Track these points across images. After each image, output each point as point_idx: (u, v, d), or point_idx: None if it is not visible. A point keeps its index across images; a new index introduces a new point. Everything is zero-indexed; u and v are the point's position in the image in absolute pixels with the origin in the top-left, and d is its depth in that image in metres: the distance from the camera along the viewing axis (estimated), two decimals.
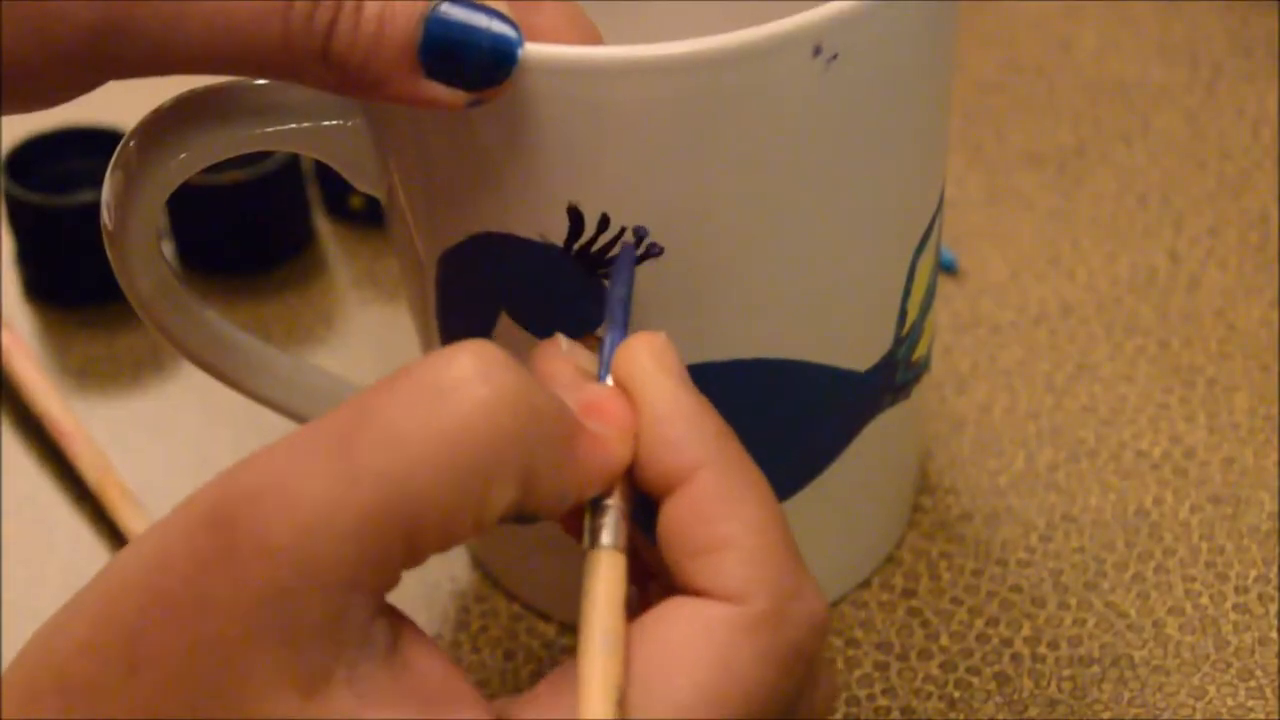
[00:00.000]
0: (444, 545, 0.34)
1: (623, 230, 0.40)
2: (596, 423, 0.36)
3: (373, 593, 0.34)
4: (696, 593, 0.36)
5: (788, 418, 0.44)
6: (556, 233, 0.41)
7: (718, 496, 0.36)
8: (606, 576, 0.35)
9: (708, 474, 0.36)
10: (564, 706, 0.34)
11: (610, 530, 0.36)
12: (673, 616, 0.35)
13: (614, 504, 0.36)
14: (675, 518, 0.36)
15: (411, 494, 0.33)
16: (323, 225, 0.61)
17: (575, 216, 0.40)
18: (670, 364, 0.37)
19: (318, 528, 0.33)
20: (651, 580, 0.38)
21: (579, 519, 0.37)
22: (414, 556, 0.34)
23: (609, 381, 0.37)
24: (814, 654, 0.36)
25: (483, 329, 0.43)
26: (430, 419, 0.34)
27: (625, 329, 0.39)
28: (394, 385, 0.34)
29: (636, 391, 0.37)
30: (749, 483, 0.36)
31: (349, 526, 0.33)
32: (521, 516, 0.35)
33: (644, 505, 0.37)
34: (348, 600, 0.33)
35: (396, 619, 0.35)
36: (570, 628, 0.48)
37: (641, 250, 0.41)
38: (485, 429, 0.34)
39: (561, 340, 0.39)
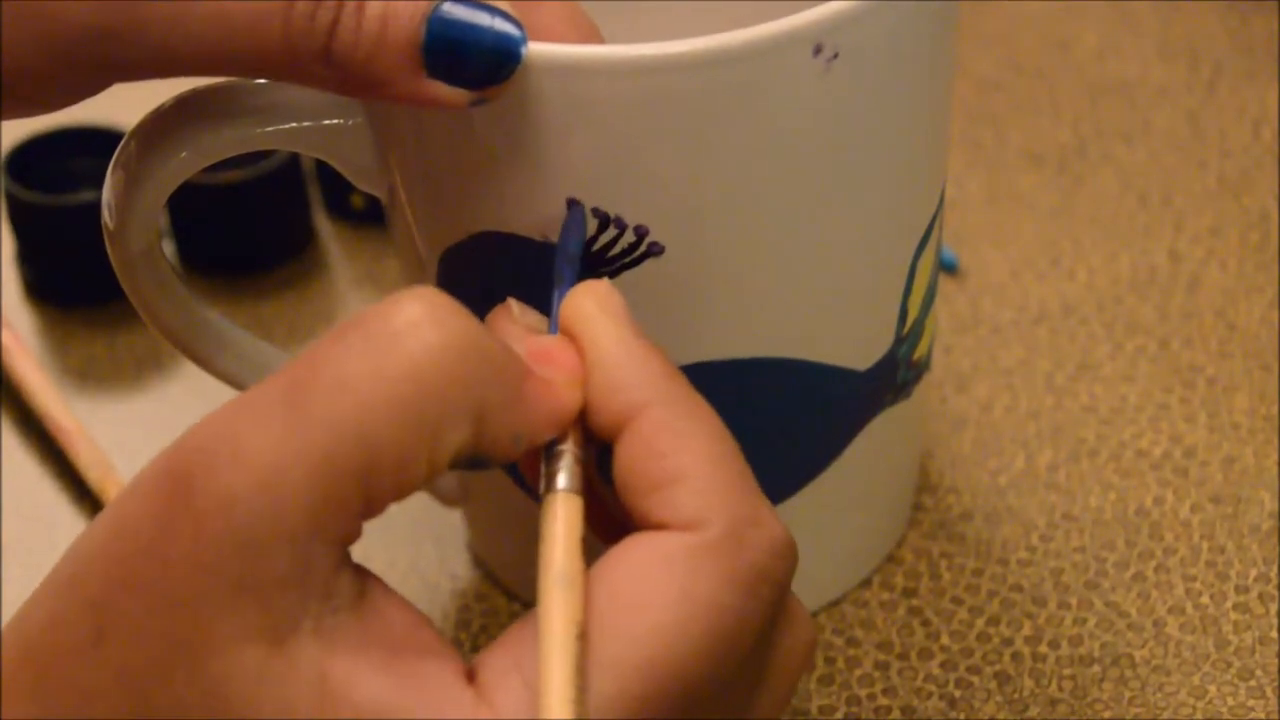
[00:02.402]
0: (400, 491, 0.34)
1: (624, 230, 0.40)
2: (545, 368, 0.37)
3: (334, 543, 0.34)
4: (654, 528, 0.36)
5: (788, 417, 0.44)
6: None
7: (668, 432, 0.36)
8: (563, 517, 0.35)
9: (655, 411, 0.36)
10: (528, 643, 0.35)
11: (565, 474, 0.36)
12: (631, 550, 0.35)
13: (568, 448, 0.36)
14: (627, 457, 0.36)
15: (364, 438, 0.34)
16: (323, 225, 0.61)
17: None
18: (614, 309, 0.37)
19: (273, 477, 0.33)
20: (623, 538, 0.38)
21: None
22: (372, 503, 0.34)
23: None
24: (778, 580, 0.36)
25: None
26: (380, 364, 0.34)
27: (573, 285, 0.39)
28: (343, 334, 0.35)
29: (582, 337, 0.37)
30: (698, 416, 0.37)
31: (304, 474, 0.33)
32: (475, 461, 0.36)
33: (607, 458, 0.37)
34: (309, 549, 0.33)
35: (362, 573, 0.35)
36: None
37: (642, 249, 0.41)
38: (434, 371, 0.34)
39: (513, 304, 0.39)
